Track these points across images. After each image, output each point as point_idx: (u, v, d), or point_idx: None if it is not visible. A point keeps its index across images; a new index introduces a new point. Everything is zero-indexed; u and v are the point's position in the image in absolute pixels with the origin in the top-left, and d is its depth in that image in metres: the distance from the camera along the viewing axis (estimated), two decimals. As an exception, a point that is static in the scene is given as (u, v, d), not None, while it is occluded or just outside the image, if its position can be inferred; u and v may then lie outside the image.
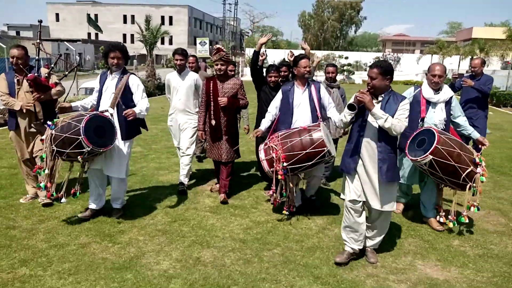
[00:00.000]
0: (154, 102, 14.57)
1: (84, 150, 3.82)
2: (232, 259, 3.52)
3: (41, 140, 3.95)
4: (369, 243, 3.65)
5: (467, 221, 3.94)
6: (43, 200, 4.55)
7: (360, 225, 3.51)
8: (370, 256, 3.60)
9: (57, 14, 64.02)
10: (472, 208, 3.88)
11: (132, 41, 60.85)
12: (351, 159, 3.47)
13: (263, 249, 3.73)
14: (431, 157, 3.71)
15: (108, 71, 4.36)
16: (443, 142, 3.74)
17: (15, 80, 4.49)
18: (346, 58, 35.80)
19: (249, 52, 38.10)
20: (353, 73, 33.69)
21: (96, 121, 3.92)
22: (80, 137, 3.75)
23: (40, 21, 4.85)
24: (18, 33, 60.21)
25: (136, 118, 4.13)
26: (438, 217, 4.20)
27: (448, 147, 3.75)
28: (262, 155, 4.17)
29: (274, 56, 33.63)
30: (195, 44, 54.80)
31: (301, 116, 4.34)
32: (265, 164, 4.13)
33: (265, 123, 4.50)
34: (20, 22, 65.90)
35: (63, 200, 4.04)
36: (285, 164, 3.99)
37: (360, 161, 3.44)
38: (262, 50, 5.10)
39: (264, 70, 5.30)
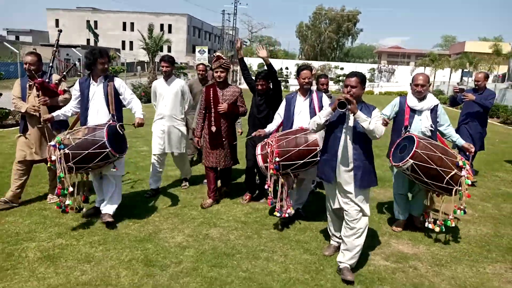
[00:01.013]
0: (156, 107, 15.19)
1: (110, 160, 4.06)
2: (236, 235, 4.16)
3: (52, 161, 3.91)
4: (345, 257, 3.51)
5: (453, 225, 4.09)
6: (50, 200, 4.83)
7: (340, 224, 3.76)
8: (347, 274, 3.40)
9: (56, 20, 64.48)
10: (458, 211, 4.00)
11: (131, 48, 61.54)
12: (330, 168, 3.56)
13: (261, 228, 4.37)
14: (411, 161, 3.85)
15: (90, 78, 4.35)
16: (422, 146, 3.89)
17: (27, 85, 4.68)
18: (342, 69, 36.63)
19: (246, 61, 39.00)
20: (349, 83, 34.46)
21: (111, 131, 4.07)
22: (107, 150, 3.93)
23: (60, 31, 5.13)
24: (17, 37, 60.36)
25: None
26: (426, 223, 4.26)
27: (428, 151, 3.88)
28: (258, 150, 4.29)
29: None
30: (193, 52, 55.69)
31: (301, 123, 4.45)
32: (259, 159, 4.23)
33: (269, 127, 4.65)
34: (20, 27, 66.23)
35: (84, 210, 4.45)
36: (277, 159, 4.08)
37: (337, 169, 3.54)
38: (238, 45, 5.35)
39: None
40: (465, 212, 4.05)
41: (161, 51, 20.45)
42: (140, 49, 19.54)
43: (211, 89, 4.99)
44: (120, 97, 4.43)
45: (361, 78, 3.54)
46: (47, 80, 4.61)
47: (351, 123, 3.49)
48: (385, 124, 4.30)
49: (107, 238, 3.96)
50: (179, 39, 61.69)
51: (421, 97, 4.40)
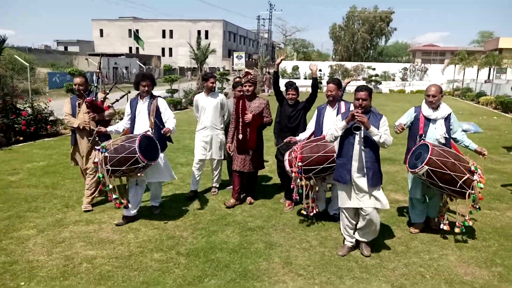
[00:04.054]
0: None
1: (139, 165, 4.52)
2: (281, 211, 5.87)
3: (94, 163, 4.51)
4: (363, 238, 4.25)
5: (470, 224, 4.39)
6: (86, 208, 5.32)
7: (355, 224, 4.29)
8: (364, 249, 4.24)
9: (101, 30, 68.53)
10: (473, 210, 4.23)
11: (170, 54, 64.06)
12: (346, 171, 4.05)
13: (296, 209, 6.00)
14: (426, 167, 4.10)
15: (138, 97, 4.98)
16: (436, 153, 4.14)
17: (77, 103, 5.36)
18: (374, 69, 37.07)
19: (281, 64, 40.44)
20: (380, 83, 34.82)
21: (144, 140, 4.58)
22: (136, 155, 4.42)
23: (102, 55, 5.94)
24: (66, 48, 64.46)
25: (164, 136, 4.91)
26: (442, 225, 4.52)
27: (442, 157, 4.11)
28: (286, 155, 4.90)
29: (305, 67, 35.85)
30: (229, 56, 57.63)
31: None
32: (286, 164, 4.83)
33: (302, 135, 5.17)
34: (67, 38, 70.68)
35: (130, 207, 4.85)
36: (299, 163, 4.62)
37: (352, 171, 4.03)
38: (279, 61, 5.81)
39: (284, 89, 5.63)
40: (479, 209, 4.27)
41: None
42: (179, 55, 21.78)
43: (241, 100, 5.56)
44: (161, 115, 5.00)
45: (370, 91, 4.02)
46: (94, 98, 5.24)
47: (363, 131, 3.94)
48: (402, 130, 4.74)
49: (213, 220, 5.83)
50: (215, 44, 63.61)
51: (434, 107, 4.66)
